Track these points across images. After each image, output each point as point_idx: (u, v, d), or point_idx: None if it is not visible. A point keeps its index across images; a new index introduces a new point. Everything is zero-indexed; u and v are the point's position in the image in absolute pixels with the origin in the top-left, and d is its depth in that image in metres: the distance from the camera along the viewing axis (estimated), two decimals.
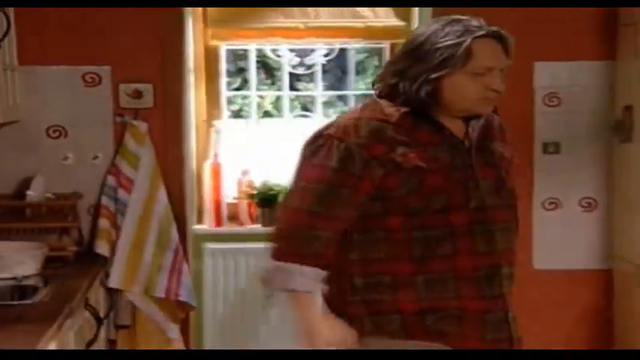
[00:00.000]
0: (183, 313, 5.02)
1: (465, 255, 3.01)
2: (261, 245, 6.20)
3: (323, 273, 2.98)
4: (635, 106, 4.90)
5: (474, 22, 2.96)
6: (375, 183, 2.95)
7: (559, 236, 5.32)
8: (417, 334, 3.00)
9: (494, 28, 2.93)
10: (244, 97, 6.75)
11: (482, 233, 3.02)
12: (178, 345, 5.02)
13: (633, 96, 4.91)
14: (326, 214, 2.95)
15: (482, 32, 2.92)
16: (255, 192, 6.24)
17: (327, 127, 3.01)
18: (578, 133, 5.26)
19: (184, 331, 5.10)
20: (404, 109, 3.02)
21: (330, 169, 2.89)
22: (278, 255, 3.01)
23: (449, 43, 2.88)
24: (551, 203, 5.31)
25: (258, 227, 6.22)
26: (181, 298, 4.91)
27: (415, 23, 6.15)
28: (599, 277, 5.33)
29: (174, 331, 4.97)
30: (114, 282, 4.78)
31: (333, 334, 3.15)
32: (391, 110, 2.92)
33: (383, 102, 2.97)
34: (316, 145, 2.96)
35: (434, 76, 2.95)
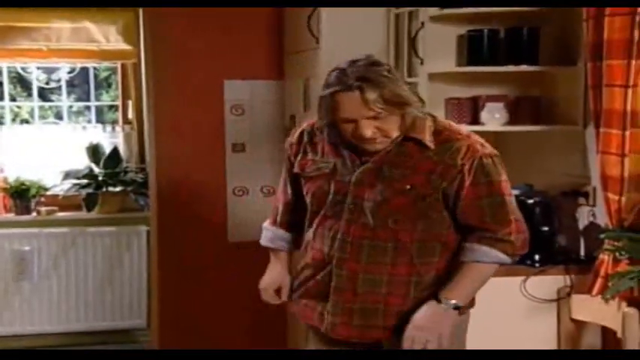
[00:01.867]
0: None
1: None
2: (13, 231, 6.42)
3: None
4: (297, 115, 5.15)
5: (339, 74, 2.88)
6: None
7: (247, 216, 5.43)
8: None
9: (351, 83, 2.83)
10: (2, 107, 6.88)
11: (338, 241, 3.03)
12: None
13: (294, 108, 5.20)
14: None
15: (335, 89, 2.86)
16: (8, 186, 6.52)
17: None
18: (258, 135, 5.48)
19: None
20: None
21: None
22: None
23: (321, 94, 2.91)
24: (239, 190, 5.52)
25: (11, 216, 6.50)
26: None
27: (142, 47, 6.24)
28: None
29: None
30: None
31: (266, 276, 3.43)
32: None
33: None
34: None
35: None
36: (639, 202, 3.70)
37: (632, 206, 3.70)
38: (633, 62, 3.56)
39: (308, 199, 3.15)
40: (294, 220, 3.34)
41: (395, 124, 2.90)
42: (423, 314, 2.98)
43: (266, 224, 3.47)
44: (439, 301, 2.97)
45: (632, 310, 3.59)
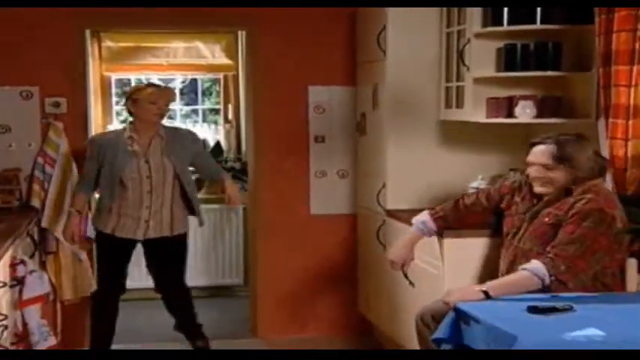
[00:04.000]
0: (89, 244, 5.08)
1: None
2: None
3: None
4: (367, 114, 5.22)
5: None
6: None
7: (326, 194, 5.53)
8: None
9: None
10: None
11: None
12: (86, 264, 5.07)
13: (365, 108, 5.26)
14: None
15: None
16: None
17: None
18: (335, 130, 5.52)
19: (90, 258, 5.14)
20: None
21: None
22: None
23: None
24: (320, 173, 5.54)
25: None
26: (87, 234, 5.00)
27: (240, 62, 6.47)
28: (350, 218, 5.58)
29: (83, 256, 5.07)
30: (44, 223, 4.94)
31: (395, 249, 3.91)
32: None
33: None
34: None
35: None
36: (639, 177, 3.85)
37: (634, 179, 3.81)
38: (635, 67, 3.78)
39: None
40: (448, 219, 3.86)
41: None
42: (461, 286, 3.52)
43: (426, 212, 3.91)
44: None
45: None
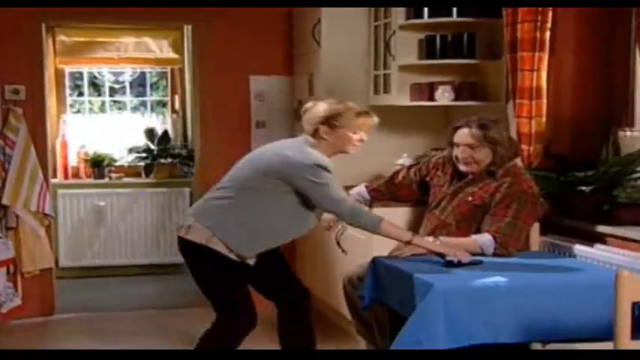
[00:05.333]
0: (47, 220, 5.22)
1: None
2: (92, 191, 6.48)
3: None
4: (303, 101, 4.70)
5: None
6: None
7: None
8: None
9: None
10: (81, 103, 7.25)
11: None
12: (45, 241, 5.17)
13: (301, 95, 5.35)
14: None
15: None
16: (89, 158, 6.83)
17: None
18: (274, 116, 5.65)
19: (48, 233, 5.27)
20: None
21: None
22: None
23: None
24: None
25: (90, 180, 6.75)
26: (46, 211, 5.14)
27: (186, 57, 6.62)
28: None
29: (41, 232, 5.16)
30: (5, 200, 5.03)
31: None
32: None
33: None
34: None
35: None
36: (541, 151, 4.06)
37: (537, 153, 4.05)
38: (537, 54, 4.05)
39: None
40: (382, 191, 4.02)
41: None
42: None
43: (363, 184, 4.08)
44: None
45: None
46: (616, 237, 3.60)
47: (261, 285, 3.63)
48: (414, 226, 4.13)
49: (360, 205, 3.61)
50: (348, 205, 3.36)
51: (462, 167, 3.63)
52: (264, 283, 3.62)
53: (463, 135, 3.61)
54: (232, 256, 3.35)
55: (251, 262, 3.44)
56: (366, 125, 3.50)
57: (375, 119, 3.51)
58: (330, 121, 3.43)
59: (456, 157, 3.63)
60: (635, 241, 3.48)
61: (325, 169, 3.34)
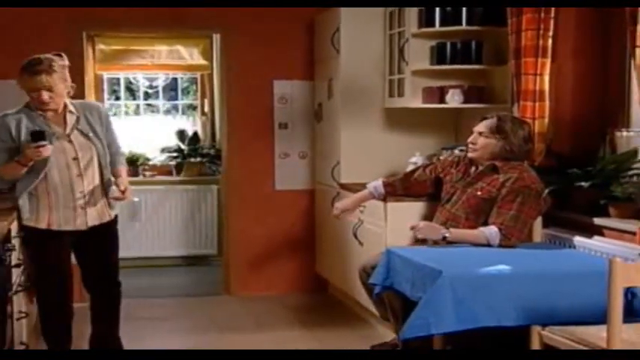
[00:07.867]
0: None
1: None
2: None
3: None
4: (323, 103, 5.40)
5: None
6: None
7: (288, 172, 5.65)
8: None
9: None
10: (118, 106, 7.35)
11: None
12: None
13: (321, 99, 5.44)
14: None
15: None
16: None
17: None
18: (296, 117, 5.66)
19: None
20: None
21: None
22: None
23: None
24: (283, 155, 5.67)
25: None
26: None
27: (215, 63, 6.70)
28: (309, 193, 5.72)
29: None
30: None
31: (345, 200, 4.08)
32: None
33: None
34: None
35: None
36: (544, 149, 4.04)
37: (540, 152, 4.03)
38: (539, 59, 4.08)
39: None
40: (396, 187, 4.07)
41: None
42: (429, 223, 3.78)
43: (381, 179, 4.15)
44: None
45: None
46: (612, 229, 3.62)
47: None
48: (426, 220, 4.14)
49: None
50: None
51: (468, 154, 3.73)
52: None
53: (482, 123, 3.71)
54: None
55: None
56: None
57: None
58: None
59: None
60: (629, 232, 3.49)
61: None
